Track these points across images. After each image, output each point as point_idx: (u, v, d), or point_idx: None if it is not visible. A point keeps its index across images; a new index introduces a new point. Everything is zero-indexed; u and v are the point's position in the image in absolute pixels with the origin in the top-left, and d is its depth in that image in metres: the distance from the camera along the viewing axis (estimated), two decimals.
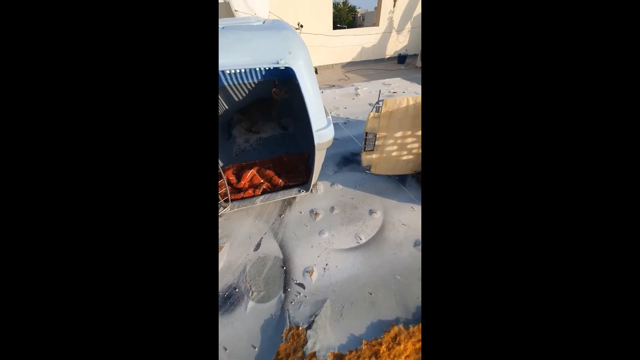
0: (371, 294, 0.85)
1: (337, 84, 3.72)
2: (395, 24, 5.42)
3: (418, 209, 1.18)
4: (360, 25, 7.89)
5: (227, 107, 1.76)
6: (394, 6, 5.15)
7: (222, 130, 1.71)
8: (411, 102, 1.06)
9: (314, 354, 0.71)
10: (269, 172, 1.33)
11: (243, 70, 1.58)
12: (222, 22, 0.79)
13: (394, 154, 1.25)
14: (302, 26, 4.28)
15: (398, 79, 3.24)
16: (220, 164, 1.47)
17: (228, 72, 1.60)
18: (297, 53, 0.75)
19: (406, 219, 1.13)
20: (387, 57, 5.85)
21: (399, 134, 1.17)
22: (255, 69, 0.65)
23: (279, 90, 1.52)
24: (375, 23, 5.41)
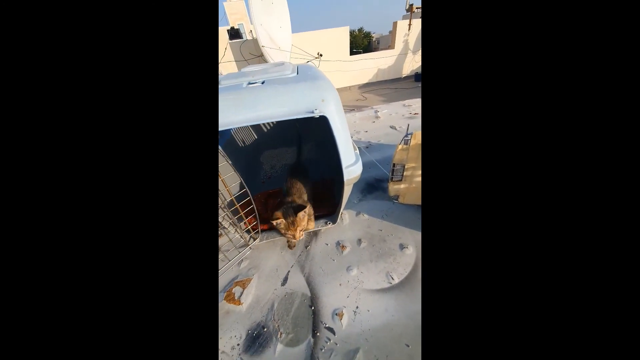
0: (409, 347, 0.77)
1: (355, 104, 3.80)
2: (411, 45, 5.55)
3: None
4: (376, 49, 8.20)
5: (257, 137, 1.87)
6: (409, 29, 5.32)
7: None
8: None
9: None
10: None
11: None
12: (261, 77, 0.87)
13: None
14: (321, 55, 4.57)
15: (418, 99, 3.23)
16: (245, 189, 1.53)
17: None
18: (328, 98, 0.79)
19: None
20: (404, 76, 5.92)
21: None
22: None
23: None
24: (391, 46, 5.59)
